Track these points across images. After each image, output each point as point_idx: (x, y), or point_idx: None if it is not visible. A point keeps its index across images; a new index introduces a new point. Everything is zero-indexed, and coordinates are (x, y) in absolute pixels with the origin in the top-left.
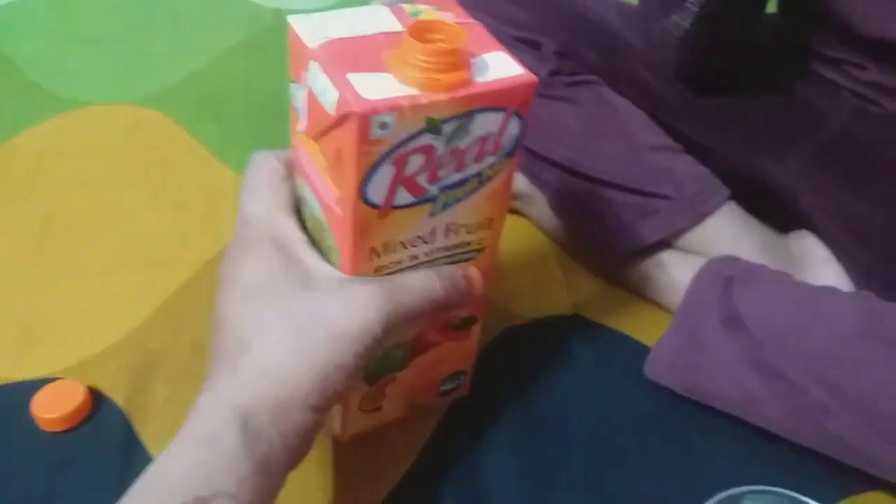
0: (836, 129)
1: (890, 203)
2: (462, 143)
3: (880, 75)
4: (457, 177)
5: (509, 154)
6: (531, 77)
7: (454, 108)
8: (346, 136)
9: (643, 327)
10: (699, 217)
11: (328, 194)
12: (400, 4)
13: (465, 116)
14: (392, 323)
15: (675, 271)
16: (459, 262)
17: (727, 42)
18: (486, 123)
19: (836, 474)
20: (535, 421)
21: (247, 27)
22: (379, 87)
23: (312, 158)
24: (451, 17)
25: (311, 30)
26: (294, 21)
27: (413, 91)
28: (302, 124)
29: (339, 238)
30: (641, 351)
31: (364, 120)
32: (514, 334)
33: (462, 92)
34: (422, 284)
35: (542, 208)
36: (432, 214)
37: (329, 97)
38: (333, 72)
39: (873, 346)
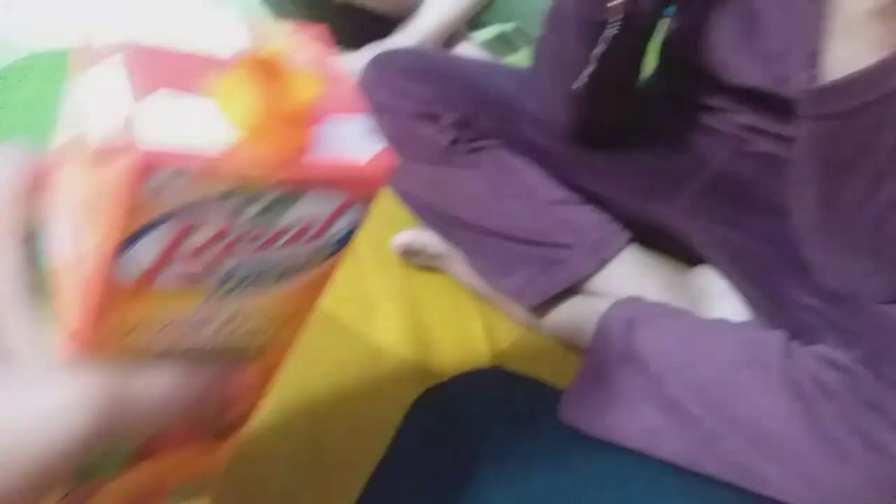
0: (717, 171)
1: (766, 236)
2: (276, 225)
3: (752, 118)
4: (256, 263)
5: (336, 247)
6: (388, 161)
7: (278, 183)
8: (118, 178)
9: (562, 372)
10: (602, 262)
11: (75, 240)
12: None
13: (290, 195)
14: (108, 435)
15: (585, 316)
16: (235, 361)
17: (609, 100)
18: (316, 207)
19: (740, 499)
20: (462, 476)
21: None
22: (185, 120)
23: (69, 183)
24: (315, 59)
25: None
26: None
27: (228, 138)
28: (67, 135)
29: (70, 302)
30: (559, 396)
31: (144, 170)
32: (437, 392)
33: (294, 167)
34: (163, 391)
35: (459, 265)
36: (210, 301)
37: (111, 114)
38: (138, 77)
39: (755, 373)
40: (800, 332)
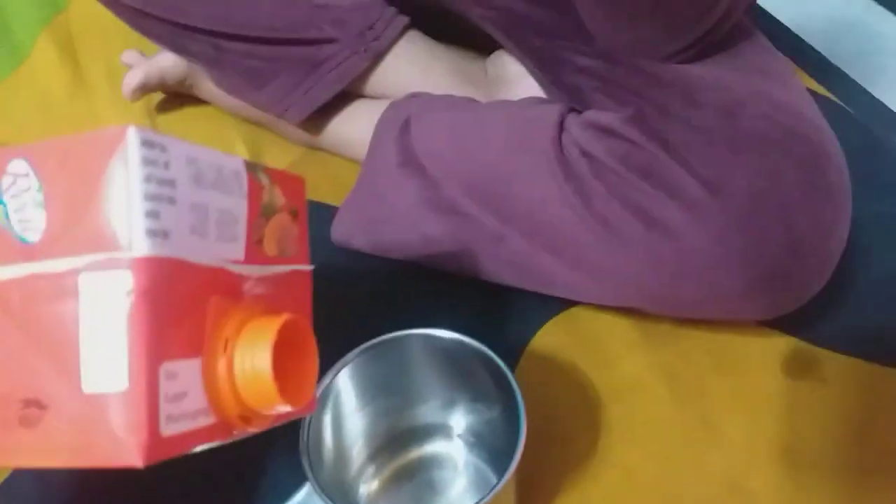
0: None
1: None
2: None
3: None
4: None
5: None
6: None
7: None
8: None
9: (343, 190)
10: (376, 55)
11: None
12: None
13: None
14: None
15: (362, 123)
16: None
17: None
18: None
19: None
20: None
21: None
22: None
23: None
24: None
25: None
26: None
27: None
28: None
29: None
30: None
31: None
32: None
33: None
34: None
35: (208, 84)
36: None
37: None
38: (140, 346)
39: (526, 158)
40: (576, 100)
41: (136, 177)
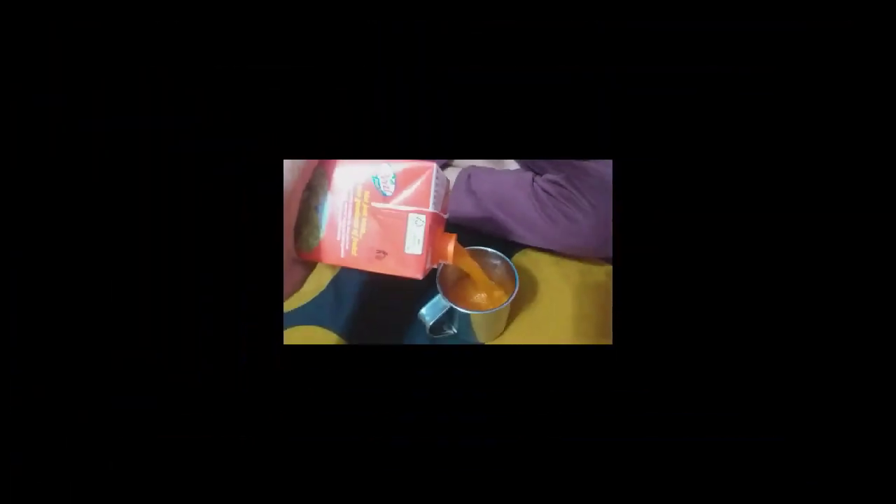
0: None
1: None
2: None
3: None
4: None
5: None
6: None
7: None
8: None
9: None
10: None
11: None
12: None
13: None
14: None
15: None
16: None
17: None
18: None
19: (508, 245)
20: None
21: None
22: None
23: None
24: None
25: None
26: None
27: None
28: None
29: None
30: None
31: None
32: None
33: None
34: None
35: None
36: None
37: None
38: (428, 240)
39: (519, 192)
40: (537, 171)
41: (434, 186)
